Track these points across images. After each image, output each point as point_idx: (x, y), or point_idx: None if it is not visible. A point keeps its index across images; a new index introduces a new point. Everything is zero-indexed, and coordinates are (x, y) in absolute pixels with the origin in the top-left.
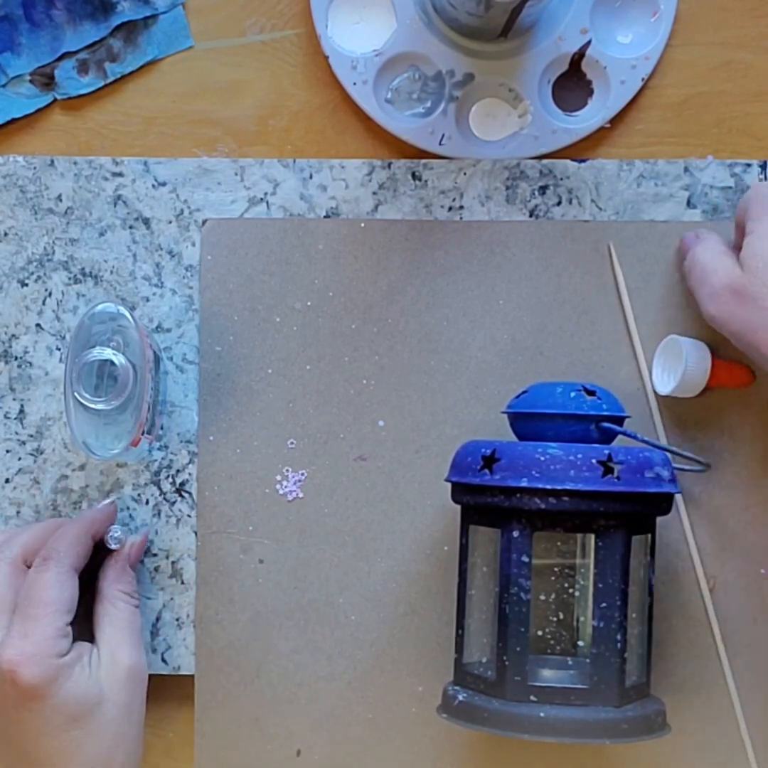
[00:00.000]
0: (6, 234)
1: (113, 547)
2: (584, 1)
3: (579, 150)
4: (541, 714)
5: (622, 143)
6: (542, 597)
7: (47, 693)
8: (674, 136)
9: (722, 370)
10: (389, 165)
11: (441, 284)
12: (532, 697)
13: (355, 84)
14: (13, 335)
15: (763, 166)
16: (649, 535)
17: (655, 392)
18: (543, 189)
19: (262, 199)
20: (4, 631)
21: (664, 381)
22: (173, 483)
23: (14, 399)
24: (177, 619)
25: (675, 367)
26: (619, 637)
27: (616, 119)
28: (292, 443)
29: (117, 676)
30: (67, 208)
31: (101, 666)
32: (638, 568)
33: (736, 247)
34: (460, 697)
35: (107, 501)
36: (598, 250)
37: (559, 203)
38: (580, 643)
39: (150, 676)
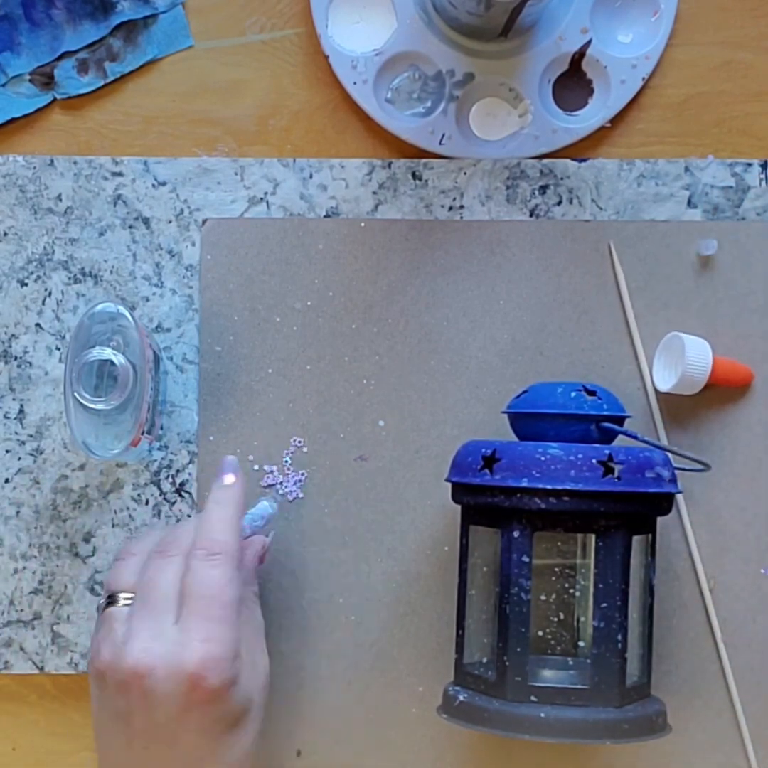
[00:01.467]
0: (6, 234)
1: (248, 533)
2: (584, 0)
3: (579, 150)
4: (542, 714)
5: (622, 143)
6: (543, 597)
7: (225, 697)
8: (675, 136)
9: (723, 368)
10: (389, 165)
11: (441, 284)
12: (532, 698)
13: (355, 83)
14: (13, 335)
15: (763, 166)
16: (650, 535)
17: (655, 389)
18: (543, 189)
19: (262, 198)
20: (176, 629)
21: (665, 378)
22: (173, 483)
23: (14, 399)
24: None
25: (676, 364)
26: (619, 637)
27: (617, 119)
28: (298, 442)
29: (257, 681)
30: (67, 208)
31: (244, 670)
32: (639, 568)
33: None
34: (461, 698)
35: (228, 479)
36: (599, 250)
37: (559, 203)
38: (581, 643)
39: None
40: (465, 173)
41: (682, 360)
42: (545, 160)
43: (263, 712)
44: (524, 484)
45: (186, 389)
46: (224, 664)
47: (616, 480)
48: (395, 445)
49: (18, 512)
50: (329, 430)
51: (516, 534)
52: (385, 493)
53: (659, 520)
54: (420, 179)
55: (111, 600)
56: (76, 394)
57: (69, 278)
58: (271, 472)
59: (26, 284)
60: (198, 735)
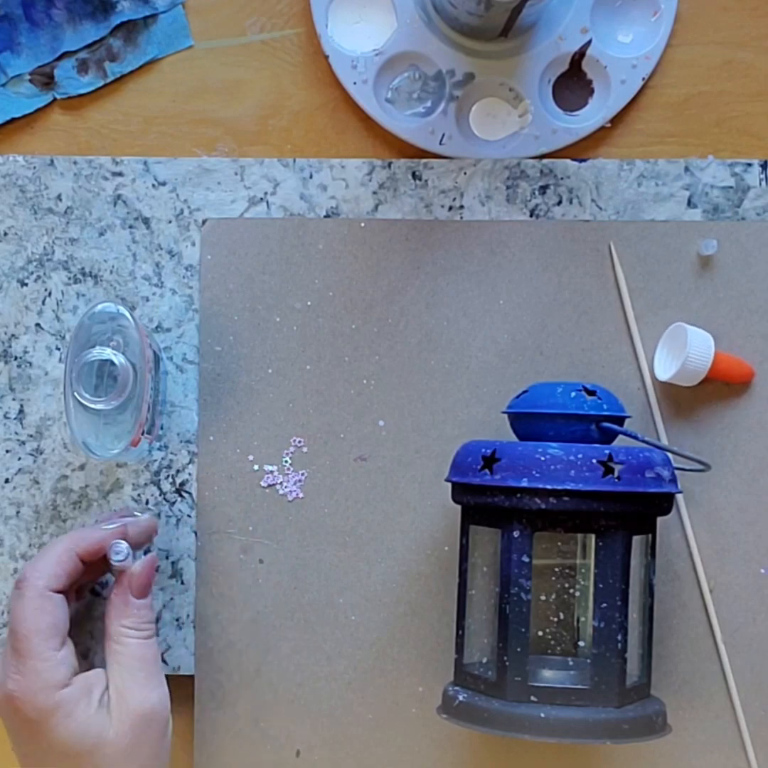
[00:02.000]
0: (6, 234)
1: (115, 563)
2: (584, 0)
3: (579, 149)
4: (542, 714)
5: (622, 143)
6: (543, 597)
7: (44, 728)
8: (675, 136)
9: (724, 362)
10: (389, 165)
11: (441, 284)
12: (532, 698)
13: (355, 83)
14: (13, 335)
15: (763, 166)
16: (650, 535)
17: (655, 382)
18: (543, 189)
19: (262, 198)
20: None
21: (666, 367)
22: (173, 483)
23: (14, 399)
24: (177, 620)
25: (678, 354)
26: (619, 637)
27: (617, 119)
28: (298, 442)
29: (123, 719)
30: (67, 208)
31: (110, 706)
32: (639, 568)
33: None
34: (461, 698)
35: (107, 520)
36: (599, 250)
37: (559, 203)
38: (581, 643)
39: None
40: (465, 173)
41: (684, 350)
42: (545, 160)
43: (148, 753)
44: (524, 484)
45: (186, 389)
46: (32, 694)
47: (616, 480)
48: (395, 445)
49: (18, 512)
50: (329, 430)
51: (516, 534)
52: (385, 493)
53: (659, 520)
54: (420, 179)
55: None
56: (76, 394)
57: (69, 278)
58: (271, 472)
59: (26, 284)
60: (37, 763)
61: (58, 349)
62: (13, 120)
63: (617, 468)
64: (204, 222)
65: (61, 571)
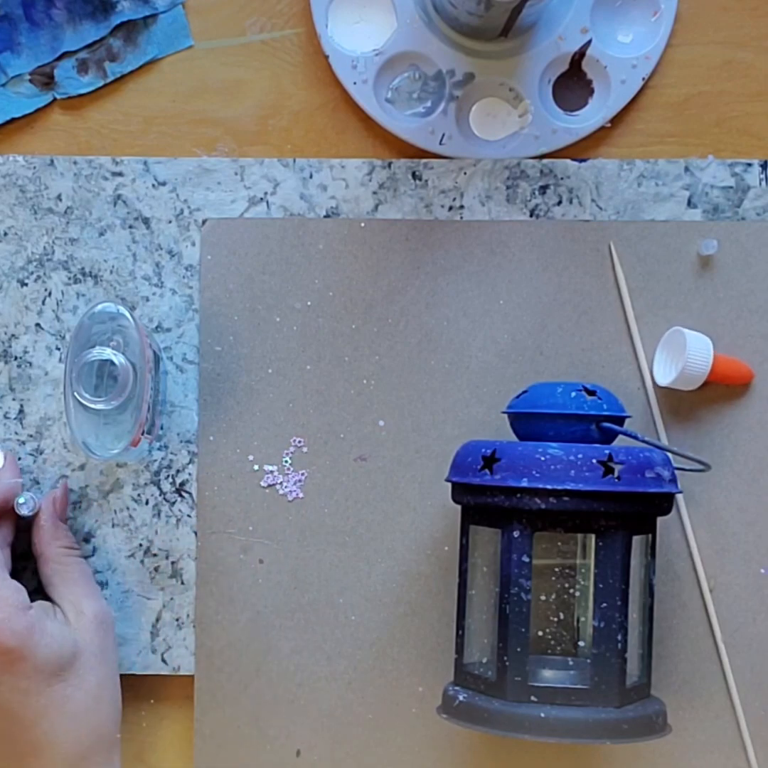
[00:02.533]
0: (6, 234)
1: (26, 513)
2: (584, 0)
3: (579, 149)
4: (542, 714)
5: (622, 143)
6: (543, 597)
7: (26, 653)
8: (675, 136)
9: (723, 364)
10: (389, 165)
11: (441, 284)
12: (532, 698)
13: (355, 83)
14: (13, 335)
15: (763, 166)
16: (650, 535)
17: (655, 387)
18: (543, 189)
19: (262, 198)
20: None
21: (665, 372)
22: (173, 483)
23: (14, 399)
24: (177, 620)
25: (677, 359)
26: (619, 637)
27: (617, 119)
28: (298, 442)
29: (86, 626)
30: (67, 208)
31: (68, 619)
32: (639, 568)
33: None
34: (461, 698)
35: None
36: (599, 250)
37: (559, 203)
38: (581, 643)
39: (149, 676)
40: (465, 173)
41: (683, 355)
42: (545, 160)
43: (113, 652)
44: (524, 484)
45: (186, 389)
46: (6, 621)
47: (616, 480)
48: (395, 445)
49: None
50: (329, 430)
51: (516, 534)
52: (385, 493)
53: (659, 520)
54: (420, 179)
55: None
56: (76, 394)
57: (69, 278)
58: (271, 472)
59: (26, 284)
60: (23, 694)
61: (58, 349)
62: (13, 120)
63: (617, 468)
64: (204, 222)
65: None
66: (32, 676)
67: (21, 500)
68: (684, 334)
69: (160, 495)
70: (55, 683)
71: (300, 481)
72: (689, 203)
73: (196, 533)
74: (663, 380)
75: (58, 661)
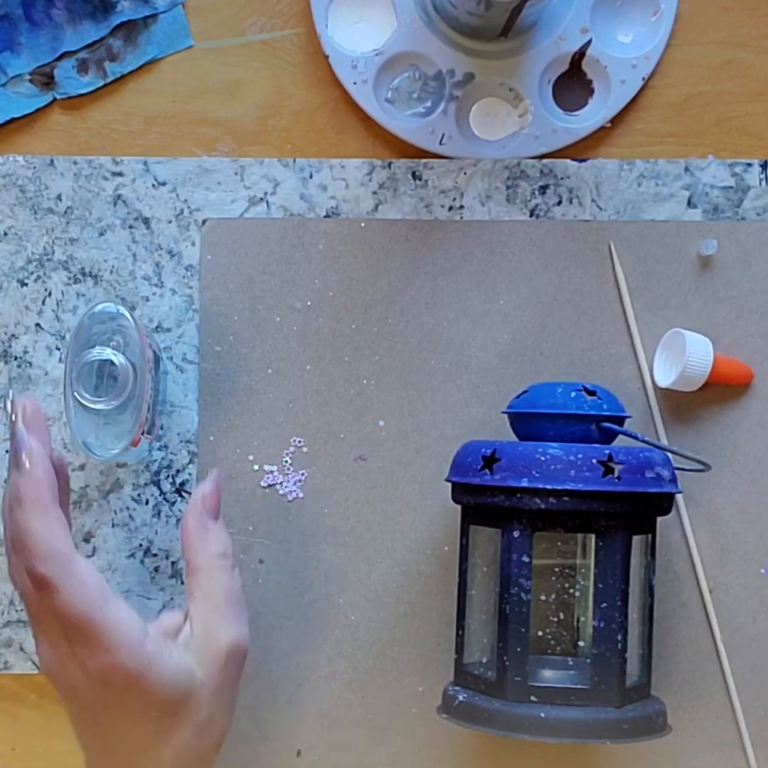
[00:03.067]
0: (6, 234)
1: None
2: (584, 0)
3: (579, 149)
4: (542, 714)
5: (622, 143)
6: (543, 597)
7: (137, 692)
8: (675, 136)
9: (723, 365)
10: (389, 165)
11: (441, 284)
12: (532, 698)
13: (355, 83)
14: (13, 335)
15: (763, 166)
16: (650, 535)
17: (655, 387)
18: (543, 189)
19: (262, 198)
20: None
21: (665, 373)
22: (173, 483)
23: None
24: None
25: (677, 360)
26: (619, 637)
27: (617, 119)
28: (298, 442)
29: (213, 659)
30: (67, 208)
31: (195, 645)
32: (639, 568)
33: None
34: (461, 698)
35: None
36: (599, 250)
37: (559, 203)
38: (581, 643)
39: None
40: (465, 173)
41: (683, 356)
42: (545, 160)
43: (232, 689)
44: (524, 484)
45: (186, 389)
46: (118, 664)
47: (616, 480)
48: (395, 445)
49: None
50: (329, 430)
51: (516, 534)
52: (385, 493)
53: (659, 520)
54: (420, 179)
55: None
56: (76, 394)
57: (69, 278)
58: (271, 472)
59: (26, 284)
60: (131, 723)
61: (58, 349)
62: (13, 120)
63: (617, 468)
64: (204, 222)
65: (63, 539)
66: (142, 711)
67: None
68: (683, 335)
69: (160, 495)
70: (165, 716)
71: (300, 481)
72: (689, 203)
73: None
74: (663, 382)
75: (172, 697)
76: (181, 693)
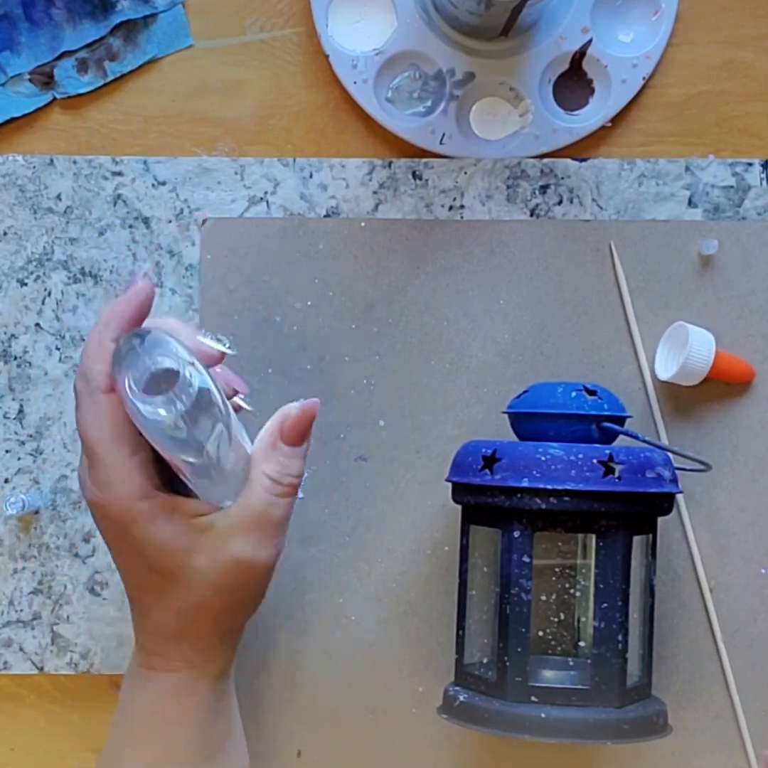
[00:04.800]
0: (5, 233)
1: (13, 513)
2: (585, 0)
3: (580, 149)
4: (542, 715)
5: (623, 142)
6: (543, 597)
7: (128, 532)
8: (675, 136)
9: (724, 361)
10: (389, 164)
11: (441, 284)
12: (532, 698)
13: (355, 83)
14: (13, 335)
15: (764, 166)
16: (650, 536)
17: (655, 383)
18: (544, 188)
19: (262, 198)
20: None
21: (666, 366)
22: None
23: (14, 399)
24: None
25: (679, 353)
26: (620, 637)
27: (617, 118)
28: None
29: (217, 561)
30: (67, 208)
31: (209, 541)
32: (639, 568)
33: None
34: (461, 698)
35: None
36: (599, 250)
37: (559, 202)
38: (581, 643)
39: None
40: (465, 173)
41: (685, 349)
42: (545, 160)
43: (242, 602)
44: (525, 484)
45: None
46: (108, 505)
47: (616, 480)
48: (395, 445)
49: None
50: (329, 430)
51: (516, 534)
52: (385, 493)
53: (659, 520)
54: (420, 179)
55: None
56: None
57: (69, 278)
58: None
59: (26, 284)
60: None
61: (58, 349)
62: (13, 120)
63: (618, 468)
64: (204, 222)
65: (107, 367)
66: (132, 558)
67: (12, 499)
68: (686, 328)
69: None
70: (154, 576)
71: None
72: (690, 203)
73: None
74: (664, 374)
75: (159, 564)
76: (168, 564)
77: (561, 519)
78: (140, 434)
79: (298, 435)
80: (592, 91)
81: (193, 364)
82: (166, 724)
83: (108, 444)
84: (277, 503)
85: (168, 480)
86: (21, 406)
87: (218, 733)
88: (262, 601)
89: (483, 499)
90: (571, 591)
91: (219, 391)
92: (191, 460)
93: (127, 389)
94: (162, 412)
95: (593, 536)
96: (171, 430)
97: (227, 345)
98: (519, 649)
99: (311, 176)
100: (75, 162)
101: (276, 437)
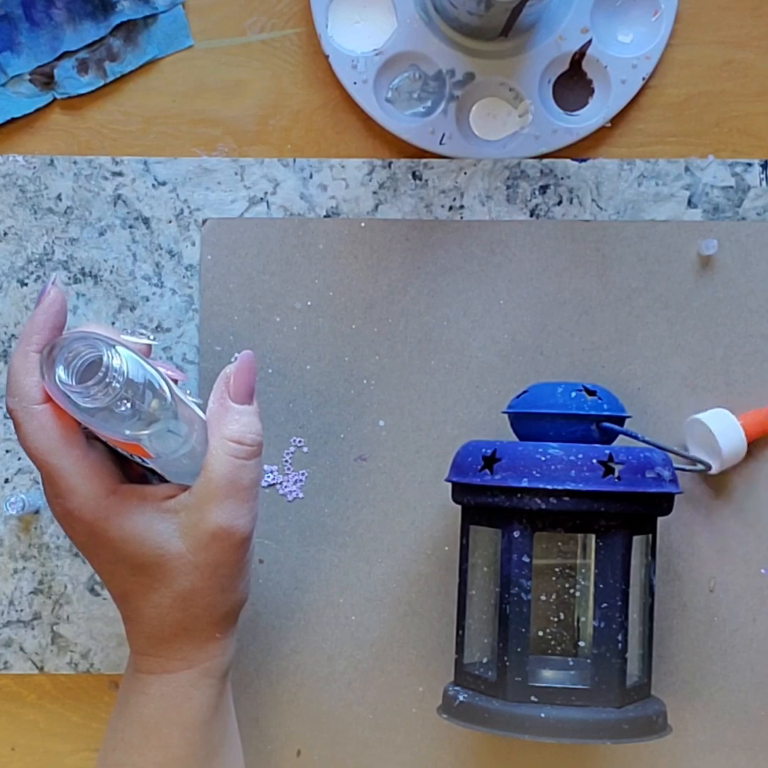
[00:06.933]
0: (6, 234)
1: (14, 513)
2: (585, 0)
3: (579, 149)
4: (542, 714)
5: (622, 143)
6: (543, 597)
7: (104, 535)
8: (675, 136)
9: (754, 424)
10: (389, 164)
11: (441, 284)
12: (532, 698)
13: (355, 83)
14: (13, 335)
15: (764, 166)
16: (650, 536)
17: (654, 378)
18: (543, 188)
19: (262, 198)
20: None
21: (710, 461)
22: None
23: None
24: None
25: (708, 443)
26: (620, 637)
27: (617, 119)
28: (298, 442)
29: (198, 535)
30: (67, 208)
31: (184, 519)
32: (639, 568)
33: None
34: (461, 698)
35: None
36: (599, 250)
37: (559, 203)
38: (581, 643)
39: None
40: (465, 173)
41: (715, 440)
42: (545, 160)
43: (229, 570)
44: (525, 484)
45: (186, 389)
46: (77, 514)
47: (616, 480)
48: (395, 445)
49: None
50: (329, 430)
51: (516, 534)
52: (385, 493)
53: (659, 520)
54: (420, 179)
55: None
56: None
57: (69, 278)
58: (271, 472)
59: (26, 284)
60: (106, 575)
61: None
62: (13, 120)
63: (618, 468)
64: (204, 222)
65: (33, 382)
66: (111, 562)
67: (12, 499)
68: (704, 423)
69: None
70: (137, 574)
71: (300, 481)
72: (689, 203)
73: None
74: (714, 469)
75: (139, 556)
76: (150, 555)
77: (561, 519)
78: (89, 435)
79: (246, 391)
80: (591, 92)
81: (115, 347)
82: (166, 730)
83: (57, 452)
84: (245, 465)
85: (132, 480)
86: None
87: (216, 735)
88: (248, 578)
89: (483, 499)
90: (571, 591)
91: (151, 366)
92: (144, 432)
93: (60, 385)
94: (99, 395)
95: (593, 536)
96: (115, 409)
97: (151, 337)
98: (519, 649)
99: (311, 176)
100: (75, 162)
101: (225, 399)
